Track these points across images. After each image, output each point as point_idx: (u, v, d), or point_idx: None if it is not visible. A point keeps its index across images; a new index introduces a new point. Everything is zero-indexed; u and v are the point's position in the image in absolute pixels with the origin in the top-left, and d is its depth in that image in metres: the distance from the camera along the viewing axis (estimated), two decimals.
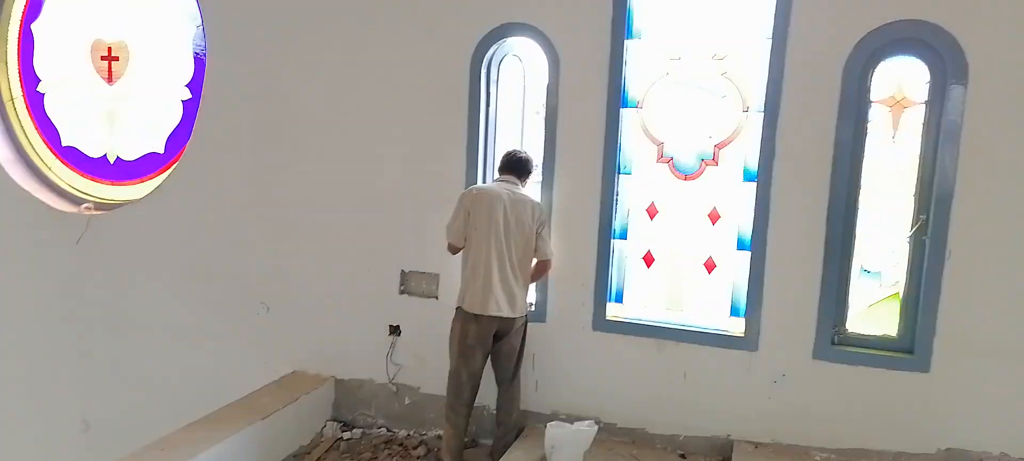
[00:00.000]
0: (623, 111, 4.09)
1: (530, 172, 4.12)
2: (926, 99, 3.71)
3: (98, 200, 5.43)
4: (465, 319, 3.92)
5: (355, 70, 4.53)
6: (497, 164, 4.21)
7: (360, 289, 4.68)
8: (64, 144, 5.48)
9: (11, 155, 5.45)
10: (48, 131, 5.49)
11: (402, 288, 4.60)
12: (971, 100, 3.52)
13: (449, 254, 4.10)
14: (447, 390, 4.03)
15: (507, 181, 4.01)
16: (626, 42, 4.04)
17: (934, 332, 3.66)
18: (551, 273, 4.20)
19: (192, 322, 5.08)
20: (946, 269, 3.62)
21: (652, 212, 4.22)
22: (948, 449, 3.71)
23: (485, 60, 4.28)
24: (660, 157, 4.17)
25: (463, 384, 3.97)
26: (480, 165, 4.37)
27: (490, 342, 3.96)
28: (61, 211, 5.34)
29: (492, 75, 4.37)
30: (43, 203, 5.34)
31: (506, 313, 3.89)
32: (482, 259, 3.87)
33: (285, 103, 4.71)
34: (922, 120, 3.72)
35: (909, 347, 3.76)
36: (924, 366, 3.69)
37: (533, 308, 4.30)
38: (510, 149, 4.18)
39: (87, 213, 5.30)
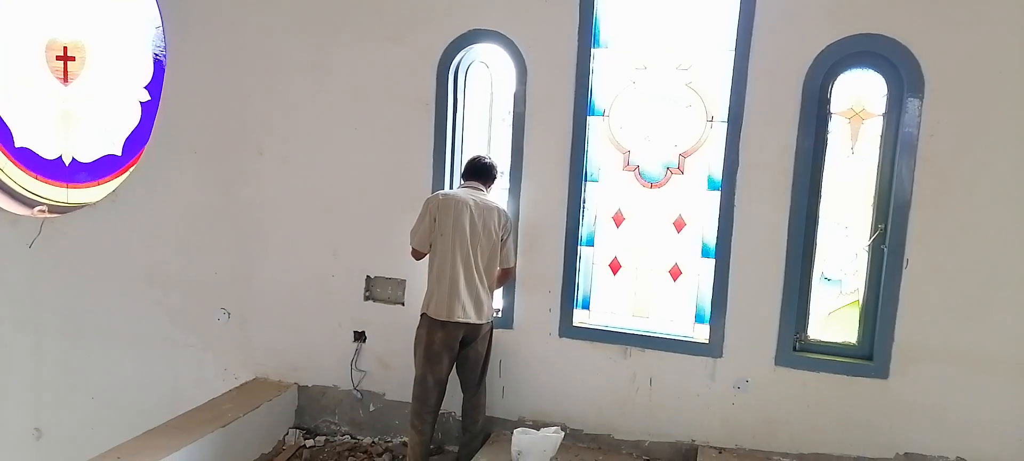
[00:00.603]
0: (590, 119, 4.12)
1: (495, 178, 4.12)
2: (884, 111, 3.79)
3: (52, 203, 5.29)
4: (431, 325, 3.89)
5: (320, 74, 4.48)
6: (461, 170, 4.19)
7: (324, 295, 4.62)
8: (17, 145, 5.32)
9: None
10: (0, 132, 5.32)
11: (367, 294, 4.56)
12: (927, 112, 3.61)
13: (414, 260, 4.07)
14: (413, 397, 4.00)
15: (472, 187, 4.00)
16: (593, 51, 4.06)
17: (892, 339, 3.74)
18: (517, 280, 4.23)
19: (149, 328, 4.96)
20: (904, 278, 3.70)
21: (618, 220, 4.24)
22: (906, 454, 3.80)
23: (452, 66, 4.27)
24: (626, 165, 4.20)
25: (429, 390, 3.94)
26: (447, 171, 4.35)
27: (456, 348, 3.94)
28: (14, 214, 5.18)
29: (459, 81, 4.36)
30: None
31: (473, 319, 3.87)
32: (447, 265, 3.85)
33: (248, 106, 4.63)
34: (880, 132, 3.80)
35: (868, 354, 3.84)
36: (883, 372, 3.77)
37: (499, 314, 4.30)
38: (474, 155, 4.18)
39: (41, 216, 5.16)
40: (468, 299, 3.86)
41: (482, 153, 4.25)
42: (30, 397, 5.28)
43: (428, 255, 3.97)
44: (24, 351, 5.25)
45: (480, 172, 4.05)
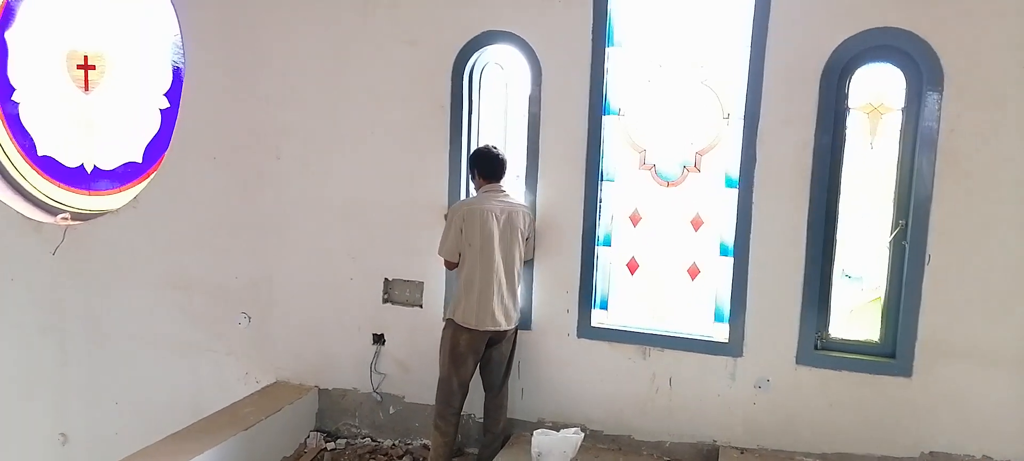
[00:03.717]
0: (605, 119, 4.10)
1: (506, 167, 4.05)
2: (903, 106, 3.75)
3: (75, 210, 5.35)
4: (457, 328, 3.91)
5: (336, 78, 4.50)
6: (471, 169, 4.10)
7: (343, 298, 4.65)
8: (40, 154, 5.40)
9: None
10: (23, 140, 5.41)
11: (385, 297, 4.57)
12: (947, 106, 3.57)
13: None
14: (436, 398, 4.01)
15: (492, 190, 3.98)
16: (607, 50, 4.05)
17: (915, 336, 3.70)
18: (535, 281, 4.25)
19: (172, 333, 5.02)
20: (926, 274, 3.66)
21: (635, 219, 4.23)
22: (931, 453, 3.75)
23: (467, 68, 4.28)
24: (643, 164, 4.19)
25: (454, 392, 3.95)
26: (463, 173, 4.35)
27: (482, 350, 3.95)
28: (37, 221, 5.25)
29: (474, 83, 4.37)
30: (19, 213, 5.26)
31: (503, 326, 3.90)
32: (477, 276, 3.86)
33: (265, 112, 4.66)
34: (899, 126, 3.76)
35: (891, 351, 3.79)
36: (906, 370, 3.73)
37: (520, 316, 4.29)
38: (485, 151, 4.04)
39: (64, 223, 5.23)
40: (498, 306, 3.88)
41: (489, 144, 4.12)
42: (56, 402, 5.35)
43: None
44: (49, 357, 5.32)
45: (498, 169, 4.01)
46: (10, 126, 5.41)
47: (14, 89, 5.38)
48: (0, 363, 5.42)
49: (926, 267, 3.66)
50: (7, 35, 5.32)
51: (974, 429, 3.69)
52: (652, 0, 4.09)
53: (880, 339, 3.86)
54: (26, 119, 5.40)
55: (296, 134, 4.63)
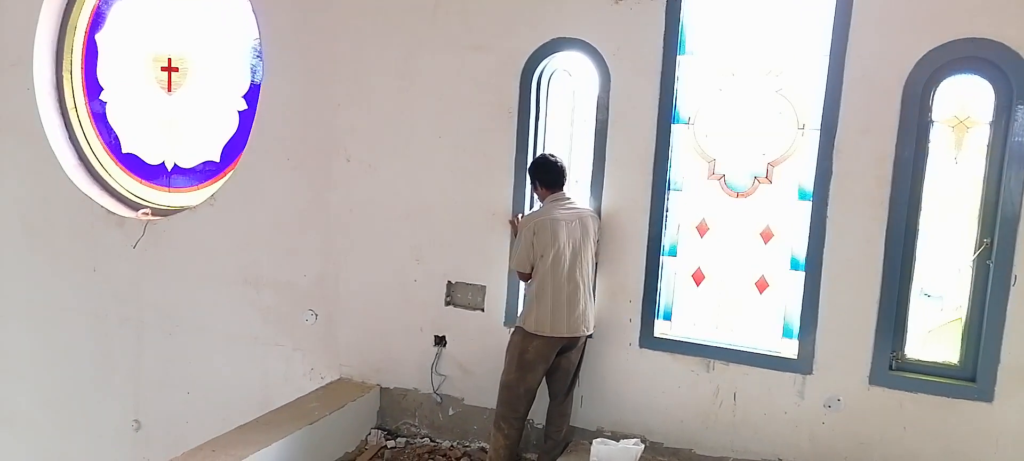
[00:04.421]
0: (674, 127, 4.06)
1: (566, 174, 4.04)
2: (991, 119, 3.60)
3: (155, 206, 5.58)
4: (526, 335, 3.91)
5: (407, 83, 4.58)
6: (532, 180, 4.10)
7: (407, 299, 4.71)
8: (124, 151, 5.65)
9: (74, 160, 5.64)
10: (109, 138, 5.67)
11: (448, 299, 4.61)
12: None
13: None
14: (501, 401, 4.01)
15: (557, 198, 3.97)
16: (678, 58, 4.00)
17: (998, 360, 3.53)
18: (597, 288, 4.21)
19: (242, 327, 5.17)
20: (1011, 295, 3.49)
21: (702, 229, 4.16)
22: None
23: (535, 75, 4.29)
24: (711, 174, 4.12)
25: (520, 398, 3.95)
26: (528, 179, 4.36)
27: (552, 358, 3.94)
28: (120, 215, 5.49)
29: (542, 89, 4.38)
30: (103, 207, 5.51)
31: (578, 332, 3.91)
32: (549, 287, 3.85)
33: (337, 115, 4.78)
34: (986, 141, 3.61)
35: (971, 375, 3.63)
36: (987, 395, 3.56)
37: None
38: (541, 162, 4.05)
39: (144, 218, 5.45)
40: (573, 313, 3.88)
41: (546, 153, 4.13)
42: (131, 390, 5.58)
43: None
44: (127, 346, 5.55)
45: (559, 177, 3.99)
46: (97, 124, 5.70)
47: (102, 89, 5.65)
48: (80, 350, 5.69)
49: (1012, 288, 3.50)
50: (98, 38, 5.61)
51: None
52: (727, 8, 4.03)
53: (960, 362, 3.70)
54: (112, 118, 5.66)
55: (365, 137, 4.72)
